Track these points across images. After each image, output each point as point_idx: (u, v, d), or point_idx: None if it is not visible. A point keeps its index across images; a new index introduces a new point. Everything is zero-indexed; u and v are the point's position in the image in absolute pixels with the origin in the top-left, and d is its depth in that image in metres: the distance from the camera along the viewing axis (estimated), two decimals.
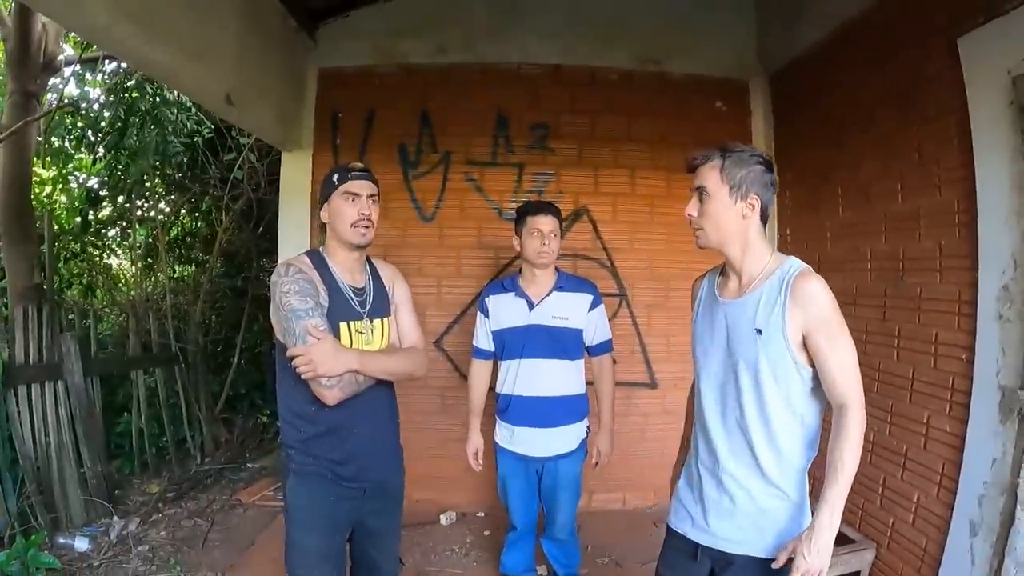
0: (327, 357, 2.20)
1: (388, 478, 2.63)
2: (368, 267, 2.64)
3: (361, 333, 2.47)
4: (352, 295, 2.49)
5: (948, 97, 3.09)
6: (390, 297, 2.67)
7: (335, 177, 2.48)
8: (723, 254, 2.08)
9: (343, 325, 2.41)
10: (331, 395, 2.23)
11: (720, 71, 5.02)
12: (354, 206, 2.42)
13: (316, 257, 2.50)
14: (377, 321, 2.55)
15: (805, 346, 1.94)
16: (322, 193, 2.51)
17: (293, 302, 2.24)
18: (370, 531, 2.59)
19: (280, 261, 2.33)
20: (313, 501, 2.40)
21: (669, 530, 2.29)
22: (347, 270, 2.52)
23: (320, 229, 2.51)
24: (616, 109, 4.96)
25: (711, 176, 2.01)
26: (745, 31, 5.05)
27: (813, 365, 1.95)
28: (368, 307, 2.53)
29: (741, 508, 2.02)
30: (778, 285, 1.96)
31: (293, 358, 2.20)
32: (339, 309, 2.41)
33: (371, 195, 2.48)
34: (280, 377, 2.43)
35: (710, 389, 2.12)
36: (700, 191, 2.02)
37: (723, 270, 2.19)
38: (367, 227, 2.45)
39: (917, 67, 3.33)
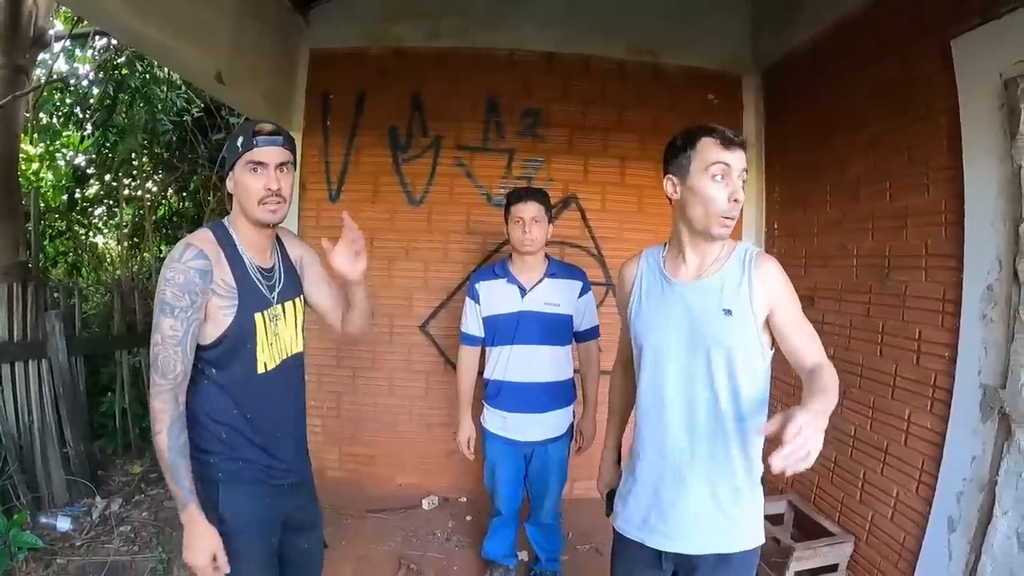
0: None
1: (306, 470, 2.45)
2: (276, 244, 2.34)
3: (272, 320, 2.21)
4: (260, 278, 2.18)
5: (939, 98, 3.10)
6: (300, 274, 2.41)
7: (239, 141, 2.06)
8: (708, 240, 1.97)
9: (258, 316, 2.14)
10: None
11: (714, 65, 5.02)
12: (259, 179, 2.07)
13: (221, 232, 2.14)
14: (288, 304, 2.29)
15: (766, 327, 1.95)
16: (227, 159, 2.13)
17: (167, 294, 1.95)
18: (299, 526, 2.41)
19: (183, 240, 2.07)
20: (250, 507, 2.18)
21: (622, 539, 2.16)
22: (255, 248, 2.19)
23: (229, 197, 2.20)
24: (608, 99, 4.96)
25: (744, 160, 1.92)
26: (740, 26, 5.05)
27: (773, 347, 1.97)
28: (278, 290, 2.25)
29: (705, 506, 1.96)
30: (739, 265, 1.95)
31: (208, 356, 2.06)
32: (250, 298, 2.13)
33: (281, 163, 2.10)
34: (193, 376, 2.08)
35: (671, 378, 1.99)
36: (742, 173, 1.90)
37: (670, 252, 2.10)
38: (278, 203, 2.11)
39: (909, 67, 3.34)
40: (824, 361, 1.86)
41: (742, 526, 1.99)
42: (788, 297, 1.94)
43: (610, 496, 2.35)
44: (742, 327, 1.92)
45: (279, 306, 2.24)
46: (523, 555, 3.89)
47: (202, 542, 2.00)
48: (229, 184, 2.15)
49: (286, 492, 2.30)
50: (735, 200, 1.87)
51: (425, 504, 4.78)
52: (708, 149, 1.90)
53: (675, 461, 1.99)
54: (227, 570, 2.05)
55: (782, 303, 1.93)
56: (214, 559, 2.01)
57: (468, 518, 4.62)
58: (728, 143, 1.88)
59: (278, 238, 2.36)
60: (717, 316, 1.93)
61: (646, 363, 2.06)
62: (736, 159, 1.88)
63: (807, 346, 1.90)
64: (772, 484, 4.41)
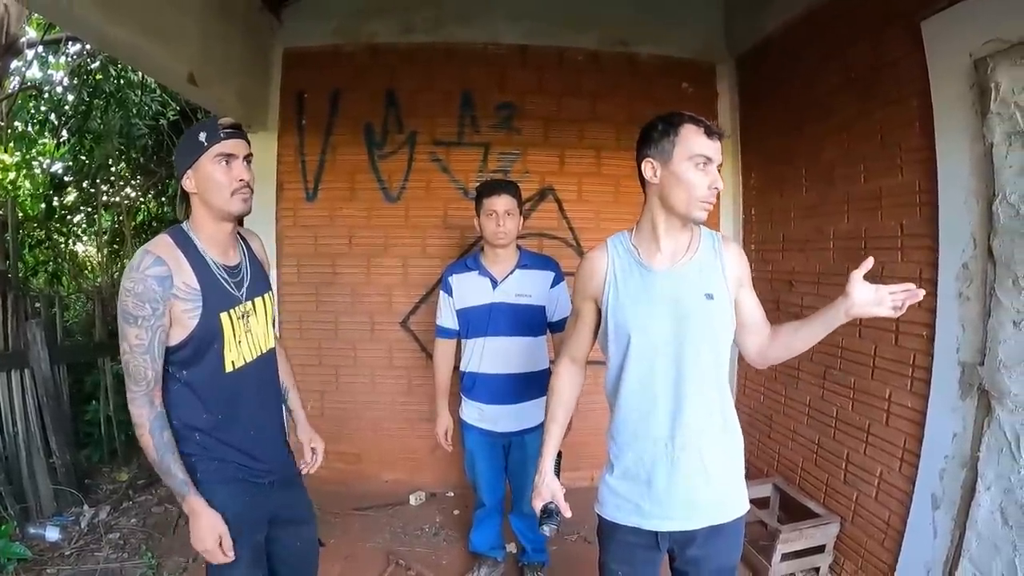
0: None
1: (289, 468, 2.44)
2: (240, 241, 2.32)
3: (243, 318, 2.19)
4: (226, 276, 2.15)
5: (910, 80, 3.13)
6: (267, 272, 2.43)
7: (202, 136, 2.04)
8: (684, 224, 2.04)
9: (224, 316, 2.11)
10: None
11: (687, 54, 5.03)
12: (230, 170, 2.06)
13: (181, 236, 2.10)
14: (258, 300, 2.27)
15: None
16: (186, 156, 2.08)
17: (128, 304, 1.94)
18: (287, 523, 2.40)
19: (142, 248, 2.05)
20: (230, 506, 2.13)
21: (613, 525, 2.17)
22: (218, 247, 2.16)
23: (182, 199, 2.07)
24: (582, 90, 4.97)
25: (720, 152, 2.00)
26: (713, 15, 5.07)
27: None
28: (246, 286, 2.22)
29: (698, 483, 2.01)
30: (711, 250, 2.07)
31: (176, 357, 2.05)
32: (216, 298, 2.10)
33: (247, 155, 2.12)
34: (164, 379, 2.08)
35: (660, 364, 2.01)
36: (718, 165, 1.98)
37: (640, 238, 2.11)
38: (249, 193, 2.12)
39: (880, 50, 3.36)
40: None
41: (731, 496, 2.09)
42: (749, 275, 2.14)
43: (545, 510, 2.20)
44: (722, 309, 2.02)
45: (249, 302, 2.23)
46: (511, 547, 3.90)
47: (207, 526, 2.04)
48: (187, 183, 2.10)
49: (268, 490, 2.28)
50: (715, 188, 1.95)
51: (412, 500, 4.79)
52: (692, 138, 1.95)
53: (667, 444, 2.03)
54: (232, 556, 2.08)
55: (746, 281, 2.11)
56: (221, 542, 2.05)
57: (456, 512, 4.63)
58: (711, 134, 1.95)
59: (241, 236, 2.35)
60: (700, 301, 1.99)
61: (633, 352, 2.05)
62: (717, 150, 1.96)
63: (764, 317, 2.15)
64: (757, 468, 4.44)
